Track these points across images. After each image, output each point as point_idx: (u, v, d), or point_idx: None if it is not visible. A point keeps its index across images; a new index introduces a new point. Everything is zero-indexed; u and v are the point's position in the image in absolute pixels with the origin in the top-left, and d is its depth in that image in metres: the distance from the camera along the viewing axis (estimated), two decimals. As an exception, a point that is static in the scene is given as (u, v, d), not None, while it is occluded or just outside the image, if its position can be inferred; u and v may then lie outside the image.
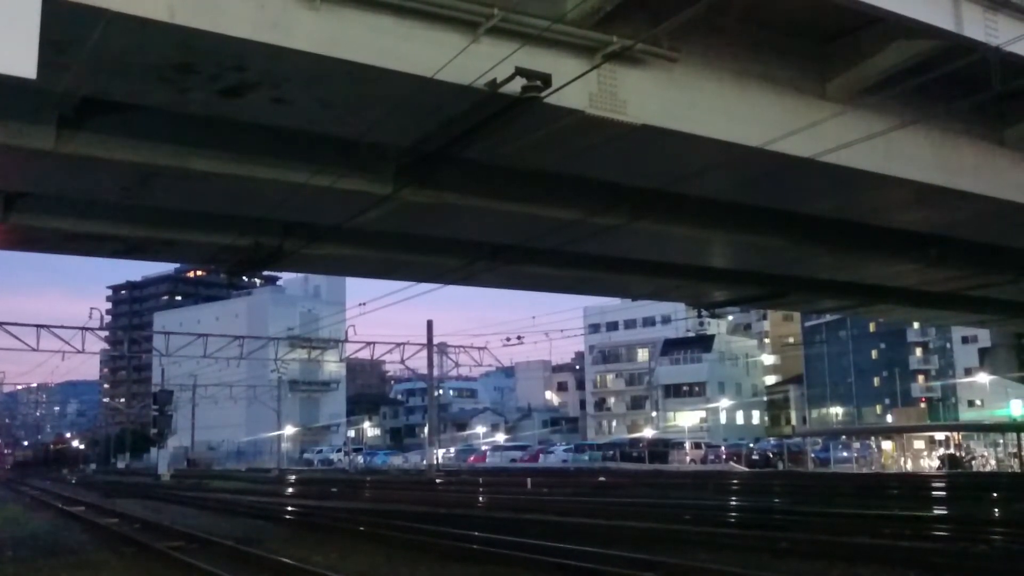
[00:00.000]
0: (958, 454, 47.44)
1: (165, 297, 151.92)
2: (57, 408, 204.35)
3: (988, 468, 46.06)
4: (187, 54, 9.46)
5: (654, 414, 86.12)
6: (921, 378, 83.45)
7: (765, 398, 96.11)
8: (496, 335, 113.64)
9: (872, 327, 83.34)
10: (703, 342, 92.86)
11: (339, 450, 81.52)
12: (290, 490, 39.20)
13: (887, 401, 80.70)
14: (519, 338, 48.41)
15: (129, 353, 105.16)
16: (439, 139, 11.70)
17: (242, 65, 9.76)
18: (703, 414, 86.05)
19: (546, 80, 9.94)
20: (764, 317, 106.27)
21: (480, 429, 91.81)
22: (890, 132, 13.03)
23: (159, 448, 62.03)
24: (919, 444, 51.58)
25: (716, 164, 13.00)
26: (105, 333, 67.44)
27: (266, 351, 56.57)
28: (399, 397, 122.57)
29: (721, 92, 12.40)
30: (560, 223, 15.70)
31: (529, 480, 36.32)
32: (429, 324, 49.98)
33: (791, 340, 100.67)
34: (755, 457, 55.26)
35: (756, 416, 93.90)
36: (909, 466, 48.85)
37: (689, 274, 22.80)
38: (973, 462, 47.27)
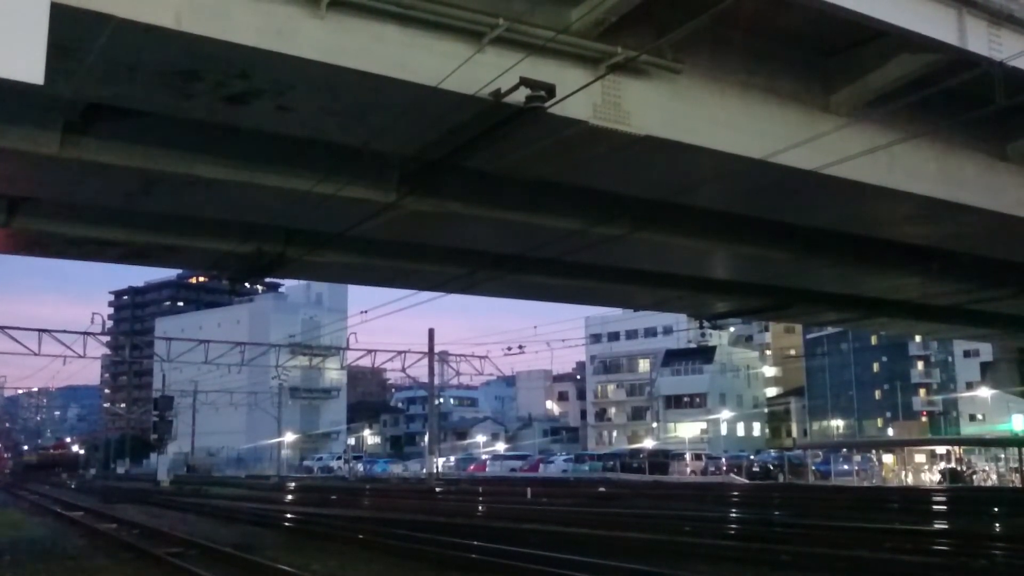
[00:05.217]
0: (959, 468, 47.32)
1: (167, 303, 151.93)
2: (58, 412, 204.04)
3: (989, 483, 45.93)
4: (193, 61, 9.50)
5: (655, 425, 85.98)
6: (922, 392, 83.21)
7: (766, 410, 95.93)
8: (497, 344, 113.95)
9: (874, 340, 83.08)
10: (704, 353, 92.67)
11: (339, 458, 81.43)
12: (289, 497, 39.08)
13: (888, 414, 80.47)
14: (520, 347, 48.69)
15: (130, 358, 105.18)
16: (443, 148, 11.73)
17: (247, 72, 9.79)
18: (704, 425, 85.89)
19: (550, 90, 9.96)
20: (766, 329, 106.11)
21: (480, 438, 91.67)
22: (893, 145, 13.06)
23: (159, 454, 61.94)
24: (920, 458, 51.45)
25: (719, 176, 13.01)
26: (107, 338, 67.47)
27: (267, 358, 56.54)
28: (399, 405, 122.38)
29: (724, 104, 12.43)
30: (562, 233, 15.73)
31: (529, 490, 36.25)
32: (430, 332, 50.02)
33: (792, 352, 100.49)
34: (755, 469, 55.15)
35: (757, 428, 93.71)
36: (910, 480, 48.71)
37: (691, 285, 22.82)
38: (974, 476, 47.15)
